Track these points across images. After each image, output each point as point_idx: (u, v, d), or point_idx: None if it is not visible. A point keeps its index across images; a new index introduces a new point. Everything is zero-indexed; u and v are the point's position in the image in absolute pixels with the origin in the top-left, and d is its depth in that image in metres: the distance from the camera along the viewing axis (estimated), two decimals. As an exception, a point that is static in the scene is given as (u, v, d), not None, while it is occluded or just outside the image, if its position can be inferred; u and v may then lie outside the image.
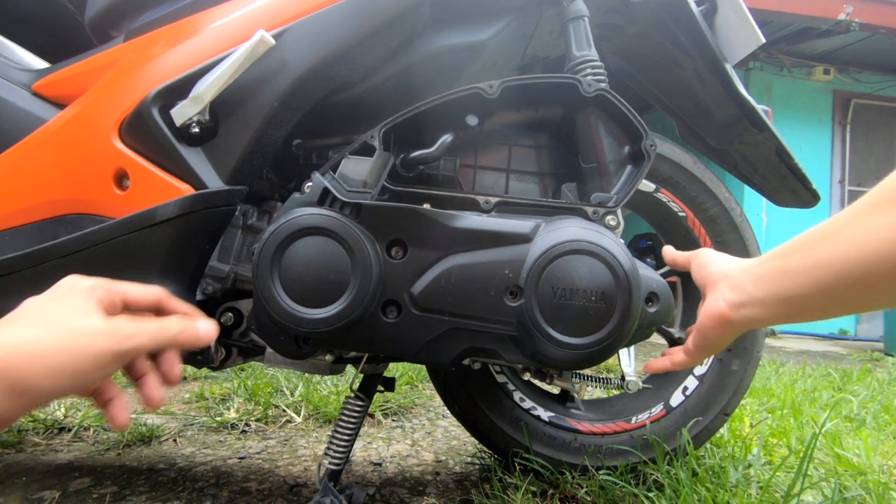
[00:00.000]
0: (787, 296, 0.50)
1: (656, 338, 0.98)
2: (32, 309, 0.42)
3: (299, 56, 0.74)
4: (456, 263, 0.69)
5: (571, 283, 0.67)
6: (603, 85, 0.76)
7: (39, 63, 0.97)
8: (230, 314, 0.78)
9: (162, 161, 0.74)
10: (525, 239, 0.69)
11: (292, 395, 1.58)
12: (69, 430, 1.27)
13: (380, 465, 1.11)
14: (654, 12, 0.89)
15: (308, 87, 0.75)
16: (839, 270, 0.45)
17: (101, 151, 0.75)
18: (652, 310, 0.71)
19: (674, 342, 1.07)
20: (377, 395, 0.93)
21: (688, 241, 1.03)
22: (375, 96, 0.81)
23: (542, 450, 0.98)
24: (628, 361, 1.02)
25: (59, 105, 0.83)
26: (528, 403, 1.00)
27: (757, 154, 0.96)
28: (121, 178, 0.75)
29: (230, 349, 0.80)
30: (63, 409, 1.39)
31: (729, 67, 0.89)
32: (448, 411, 1.14)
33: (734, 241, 1.02)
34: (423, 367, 1.70)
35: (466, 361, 0.83)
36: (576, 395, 1.03)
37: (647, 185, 1.00)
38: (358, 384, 0.87)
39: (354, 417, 0.83)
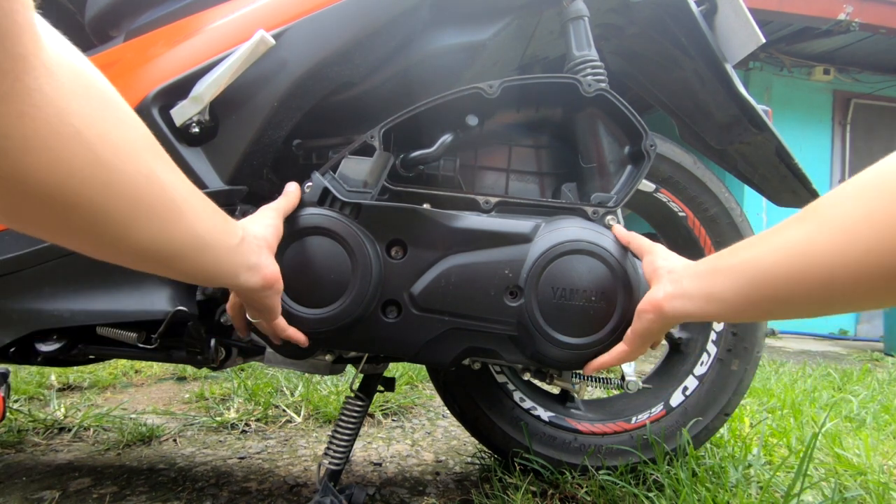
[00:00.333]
0: (711, 293, 0.52)
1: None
2: None
3: (299, 56, 0.74)
4: (456, 263, 0.69)
5: (571, 283, 0.67)
6: (603, 85, 0.76)
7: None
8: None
9: (162, 161, 0.74)
10: (525, 239, 0.69)
11: (292, 395, 1.58)
12: (69, 430, 1.27)
13: (380, 465, 1.11)
14: (654, 12, 0.89)
15: (308, 87, 0.75)
16: (753, 275, 0.47)
17: (101, 151, 0.75)
18: None
19: (674, 342, 1.07)
20: (377, 395, 0.93)
21: (688, 241, 1.03)
22: (375, 96, 0.81)
23: (542, 450, 0.97)
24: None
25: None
26: (528, 403, 1.00)
27: (757, 154, 0.96)
28: (121, 178, 0.75)
29: (230, 349, 0.80)
30: (63, 409, 1.39)
31: (729, 67, 0.89)
32: (448, 411, 1.14)
33: (734, 241, 1.00)
34: (423, 367, 1.70)
35: (466, 361, 0.83)
36: (576, 395, 1.03)
37: (647, 185, 1.00)
38: (358, 384, 0.87)
39: (354, 417, 0.83)
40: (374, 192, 0.72)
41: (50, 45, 0.32)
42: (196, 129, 0.73)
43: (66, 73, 0.32)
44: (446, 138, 0.76)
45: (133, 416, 1.41)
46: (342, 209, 0.69)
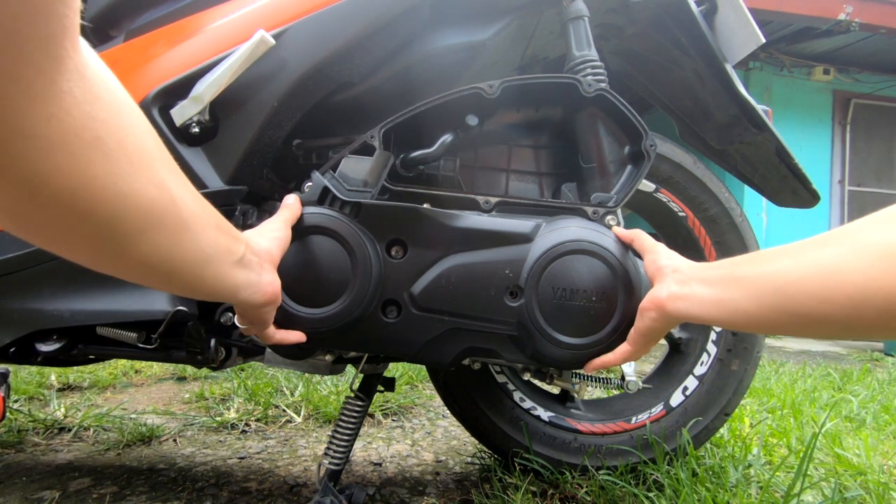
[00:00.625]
0: (724, 299, 0.52)
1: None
2: None
3: (299, 56, 0.74)
4: (456, 263, 0.69)
5: (572, 283, 0.67)
6: (603, 85, 0.76)
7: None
8: (230, 314, 0.78)
9: (162, 161, 0.74)
10: (525, 239, 0.69)
11: (292, 395, 1.58)
12: (69, 430, 1.27)
13: (380, 465, 1.11)
14: (654, 12, 0.89)
15: (308, 87, 0.75)
16: (775, 289, 0.47)
17: (101, 151, 0.75)
18: None
19: (674, 342, 1.07)
20: (377, 395, 0.93)
21: (688, 241, 1.03)
22: (375, 96, 0.81)
23: (542, 450, 0.97)
24: (628, 361, 1.02)
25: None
26: (528, 403, 1.00)
27: (757, 154, 0.96)
28: (121, 178, 0.75)
29: (230, 349, 0.80)
30: (63, 409, 1.39)
31: (729, 67, 0.89)
32: (448, 411, 1.14)
33: (734, 241, 1.02)
34: (423, 367, 1.70)
35: (466, 361, 0.83)
36: (576, 395, 1.03)
37: (647, 185, 1.00)
38: (358, 384, 0.87)
39: (354, 417, 0.83)
40: (375, 192, 0.72)
41: (83, 48, 0.31)
42: (196, 129, 0.73)
43: (93, 76, 0.32)
44: (446, 138, 0.76)
45: (133, 416, 1.41)
46: (342, 208, 0.69)
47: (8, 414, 1.28)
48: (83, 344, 0.79)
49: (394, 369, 1.93)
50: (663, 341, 0.99)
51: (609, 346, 0.68)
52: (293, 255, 0.67)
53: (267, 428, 1.35)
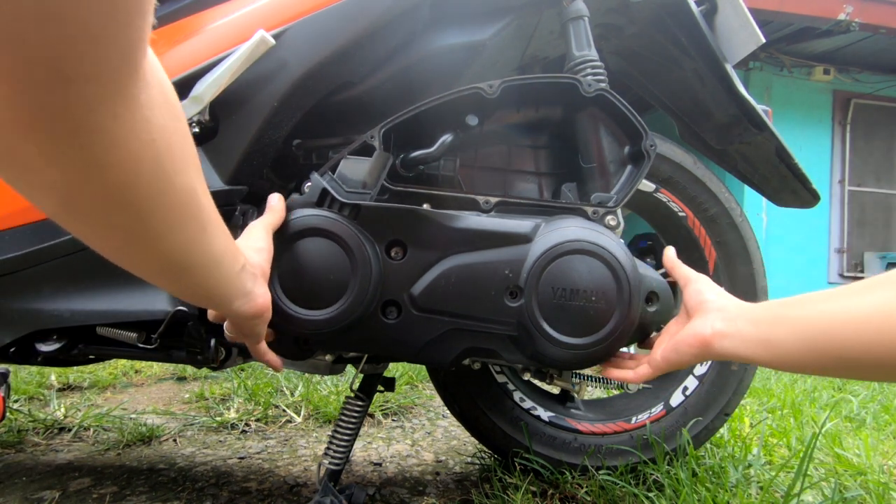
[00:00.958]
0: (770, 340, 0.52)
1: (656, 338, 0.98)
2: None
3: (299, 56, 0.74)
4: (456, 264, 0.69)
5: (572, 283, 0.67)
6: (603, 85, 0.76)
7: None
8: (230, 314, 0.77)
9: (162, 161, 0.74)
10: (525, 239, 0.69)
11: (292, 395, 1.58)
12: (69, 430, 1.27)
13: (380, 465, 1.11)
14: (654, 12, 0.89)
15: (308, 87, 0.75)
16: (822, 331, 0.46)
17: (101, 151, 0.75)
18: (652, 309, 0.71)
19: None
20: (377, 395, 0.93)
21: (688, 242, 1.03)
22: (375, 96, 0.81)
23: (542, 450, 0.97)
24: (628, 361, 1.02)
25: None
26: (528, 403, 1.00)
27: (757, 154, 0.96)
28: (121, 178, 0.75)
29: (230, 349, 0.80)
30: (63, 409, 1.39)
31: (729, 67, 0.89)
32: (448, 411, 1.14)
33: (734, 241, 1.02)
34: (423, 367, 1.70)
35: (466, 361, 0.83)
36: (576, 395, 1.03)
37: (647, 185, 1.00)
38: (358, 384, 0.87)
39: (354, 417, 0.83)
40: (374, 193, 0.72)
41: (150, 56, 0.34)
42: (196, 129, 0.73)
43: (156, 84, 0.35)
44: (446, 138, 0.76)
45: (133, 416, 1.41)
46: (341, 210, 0.69)
47: (8, 414, 1.28)
48: (83, 344, 0.79)
49: (394, 369, 1.93)
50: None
51: (609, 346, 0.68)
52: (293, 258, 0.66)
53: (267, 428, 1.35)
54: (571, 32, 0.81)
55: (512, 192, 0.85)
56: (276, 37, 0.72)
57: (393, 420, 1.46)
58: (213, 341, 0.76)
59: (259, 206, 0.81)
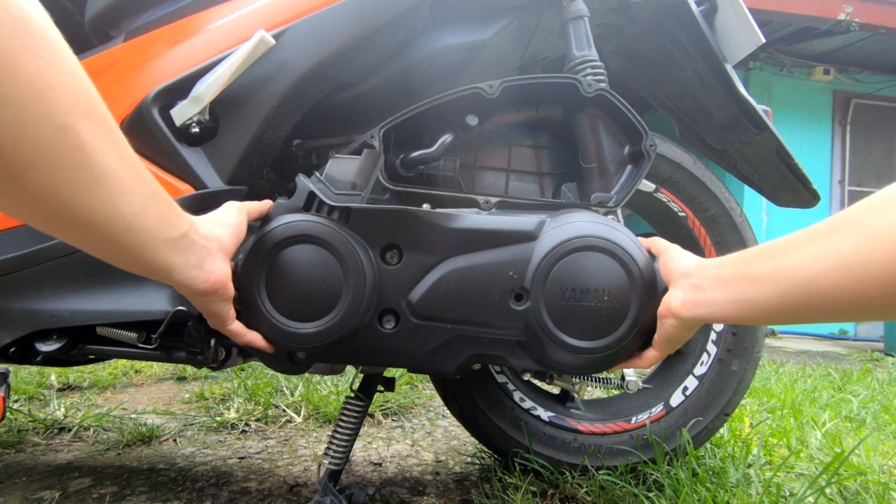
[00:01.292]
0: (744, 300, 0.52)
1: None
2: None
3: (299, 56, 0.74)
4: (456, 267, 0.65)
5: (582, 282, 0.63)
6: (603, 85, 0.76)
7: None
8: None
9: (162, 161, 0.74)
10: (529, 237, 0.66)
11: (292, 395, 1.58)
12: (69, 430, 1.27)
13: (380, 465, 1.11)
14: (654, 12, 0.89)
15: (308, 87, 0.75)
16: (796, 285, 0.47)
17: (101, 151, 0.75)
18: None
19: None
20: (377, 395, 0.93)
21: (688, 242, 1.03)
22: (375, 96, 0.81)
23: (542, 450, 0.97)
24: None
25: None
26: (528, 403, 1.00)
27: (757, 154, 0.96)
28: (121, 178, 0.75)
29: (230, 349, 0.80)
30: (63, 409, 1.39)
31: (729, 67, 0.89)
32: (448, 411, 1.14)
33: (734, 241, 1.02)
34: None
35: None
36: (576, 395, 1.03)
37: (647, 185, 1.00)
38: (358, 384, 0.87)
39: (354, 417, 0.83)
40: (365, 194, 0.69)
41: None
42: (196, 129, 0.73)
43: None
44: (446, 138, 0.76)
45: (133, 416, 1.41)
46: (330, 214, 0.66)
47: (8, 414, 1.28)
48: (83, 344, 0.79)
49: (394, 369, 1.93)
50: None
51: (624, 349, 0.64)
52: (280, 267, 0.64)
53: (267, 428, 1.35)
54: (571, 32, 0.81)
55: (512, 192, 0.85)
56: (276, 37, 0.72)
57: (393, 420, 1.46)
58: (212, 341, 0.76)
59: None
